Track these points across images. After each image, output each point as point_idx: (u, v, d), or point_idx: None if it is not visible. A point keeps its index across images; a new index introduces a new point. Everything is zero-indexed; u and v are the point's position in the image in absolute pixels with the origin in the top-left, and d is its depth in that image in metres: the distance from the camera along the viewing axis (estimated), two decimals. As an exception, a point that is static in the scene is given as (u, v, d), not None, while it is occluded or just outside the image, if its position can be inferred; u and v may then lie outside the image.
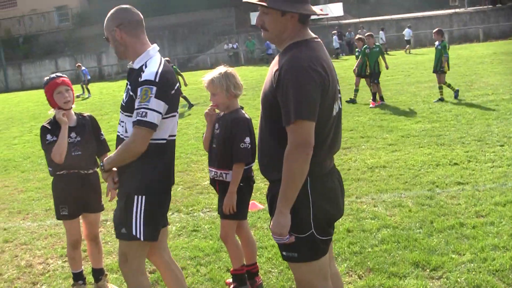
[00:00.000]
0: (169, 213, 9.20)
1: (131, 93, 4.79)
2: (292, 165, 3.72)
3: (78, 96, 35.23)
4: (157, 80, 4.66)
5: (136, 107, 4.66)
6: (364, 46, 20.35)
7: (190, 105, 23.18)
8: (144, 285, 4.99)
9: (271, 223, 3.90)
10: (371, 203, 8.81)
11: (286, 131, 3.76)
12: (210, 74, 5.83)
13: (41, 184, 12.60)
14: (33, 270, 7.59)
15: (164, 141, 4.85)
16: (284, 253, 4.05)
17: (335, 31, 53.65)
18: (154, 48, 5.00)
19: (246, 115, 5.84)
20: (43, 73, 57.89)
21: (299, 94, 3.68)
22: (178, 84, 5.02)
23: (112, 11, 5.02)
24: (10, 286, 7.15)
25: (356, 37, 21.63)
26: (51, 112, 6.40)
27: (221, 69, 5.84)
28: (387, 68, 20.36)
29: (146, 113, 4.60)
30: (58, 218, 6.57)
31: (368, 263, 6.56)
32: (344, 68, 35.35)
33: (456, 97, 18.57)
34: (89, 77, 38.90)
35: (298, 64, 3.75)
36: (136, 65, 4.91)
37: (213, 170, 5.96)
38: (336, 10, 59.01)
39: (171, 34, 61.37)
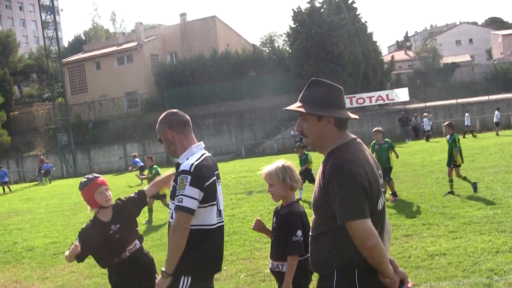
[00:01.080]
0: (232, 300, 9.50)
1: (173, 183, 5.41)
2: (372, 253, 4.03)
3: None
4: (191, 170, 5.26)
5: (175, 194, 5.24)
6: (373, 142, 19.49)
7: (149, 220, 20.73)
8: None
9: None
10: (430, 291, 8.90)
11: (335, 231, 4.14)
12: (268, 167, 6.20)
13: (106, 270, 12.95)
14: None
15: (209, 227, 5.38)
16: None
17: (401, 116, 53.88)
18: (198, 146, 5.67)
19: (300, 208, 6.16)
20: (112, 158, 59.36)
21: (347, 197, 4.02)
22: (214, 178, 5.51)
23: (162, 115, 5.74)
24: None
25: (374, 130, 20.07)
26: (90, 211, 6.82)
27: (280, 162, 6.20)
28: (397, 157, 20.08)
29: (182, 199, 5.17)
30: None
31: None
32: (410, 153, 35.45)
33: (475, 190, 18.07)
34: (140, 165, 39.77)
35: (339, 169, 4.09)
36: (181, 160, 5.53)
37: (271, 261, 6.31)
38: (402, 95, 59.30)
39: (238, 120, 62.30)
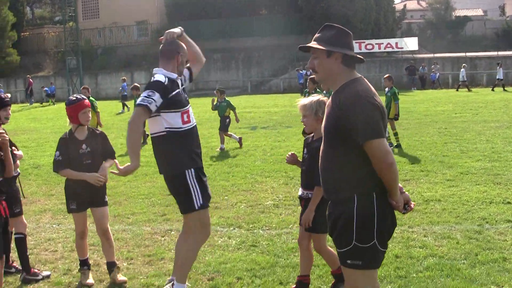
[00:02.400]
0: (230, 227, 9.89)
1: None
2: (390, 170, 4.54)
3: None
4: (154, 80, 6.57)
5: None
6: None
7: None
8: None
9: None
10: (422, 233, 9.24)
11: (353, 159, 4.62)
12: (305, 99, 6.71)
13: (110, 192, 13.28)
14: (100, 269, 8.28)
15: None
16: (348, 261, 4.70)
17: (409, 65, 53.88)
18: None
19: None
20: (118, 84, 59.54)
21: (368, 119, 4.51)
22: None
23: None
24: (78, 281, 7.84)
25: (386, 76, 20.05)
26: (69, 125, 7.73)
27: (316, 96, 6.61)
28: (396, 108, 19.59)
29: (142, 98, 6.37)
30: (68, 212, 7.84)
31: (411, 287, 7.04)
32: (415, 102, 35.68)
33: (392, 146, 18.25)
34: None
35: (358, 97, 4.57)
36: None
37: (301, 189, 6.98)
38: (411, 44, 59.17)
39: (247, 57, 62.31)
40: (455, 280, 7.17)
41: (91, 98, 19.48)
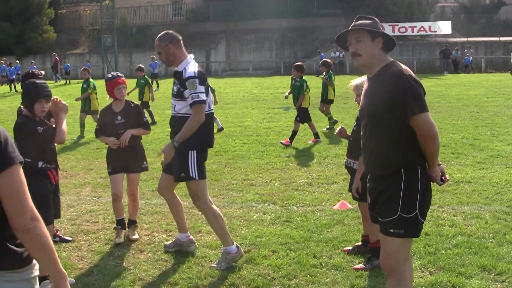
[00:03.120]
0: (265, 204, 10.23)
1: (179, 87, 7.41)
2: (435, 141, 4.97)
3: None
4: (196, 75, 7.31)
5: (188, 95, 7.23)
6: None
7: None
8: (216, 211, 7.57)
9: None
10: (451, 213, 9.48)
11: (400, 135, 5.02)
12: (357, 79, 7.17)
13: (149, 167, 13.74)
14: (140, 240, 8.69)
15: (207, 112, 7.35)
16: (391, 230, 5.08)
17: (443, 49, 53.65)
18: (190, 56, 7.64)
19: None
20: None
21: (415, 95, 4.92)
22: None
23: (162, 34, 7.77)
24: (120, 251, 8.28)
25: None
26: (108, 99, 9.03)
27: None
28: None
29: (198, 95, 7.20)
30: (109, 174, 8.87)
31: (440, 263, 7.31)
32: (447, 85, 35.69)
33: (329, 129, 19.15)
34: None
35: (402, 75, 4.98)
36: (180, 68, 7.50)
37: (347, 158, 7.66)
38: (444, 28, 58.84)
39: (280, 37, 62.39)
40: (483, 258, 7.41)
41: (90, 79, 19.87)
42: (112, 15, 63.48)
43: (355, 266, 7.30)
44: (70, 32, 70.96)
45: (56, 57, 55.86)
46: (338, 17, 59.27)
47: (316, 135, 17.04)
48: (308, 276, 7.06)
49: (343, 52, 53.53)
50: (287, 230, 8.81)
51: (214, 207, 7.65)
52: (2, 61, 51.58)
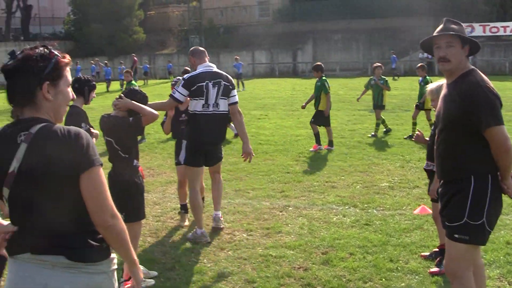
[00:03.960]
0: (345, 206, 10.31)
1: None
2: (509, 154, 4.95)
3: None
4: (185, 78, 9.04)
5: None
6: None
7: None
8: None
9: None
10: (535, 221, 9.37)
11: (473, 142, 5.06)
12: (433, 84, 7.17)
13: (232, 168, 14.06)
14: (221, 239, 8.94)
15: (197, 112, 8.89)
16: (456, 235, 5.13)
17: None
18: (202, 65, 9.11)
19: None
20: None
21: (491, 107, 4.94)
22: (203, 84, 8.89)
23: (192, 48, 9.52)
24: (202, 248, 8.54)
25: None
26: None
27: (441, 81, 6.94)
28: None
29: (175, 91, 8.96)
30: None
31: (520, 272, 7.27)
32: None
33: (385, 132, 18.57)
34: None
35: (479, 86, 5.00)
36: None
37: (427, 161, 7.65)
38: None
39: (367, 38, 61.95)
40: None
41: (132, 82, 20.34)
42: (199, 16, 64.37)
43: (430, 270, 7.34)
44: (159, 33, 72.28)
45: (135, 58, 56.68)
46: (427, 16, 58.39)
47: (330, 143, 16.70)
48: (383, 279, 7.14)
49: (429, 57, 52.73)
50: (365, 233, 8.89)
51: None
52: (92, 62, 52.94)
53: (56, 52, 3.57)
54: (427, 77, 18.27)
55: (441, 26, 5.24)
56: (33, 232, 3.49)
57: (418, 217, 9.65)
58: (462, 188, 5.09)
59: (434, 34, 5.25)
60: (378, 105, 19.16)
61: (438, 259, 7.43)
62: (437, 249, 7.76)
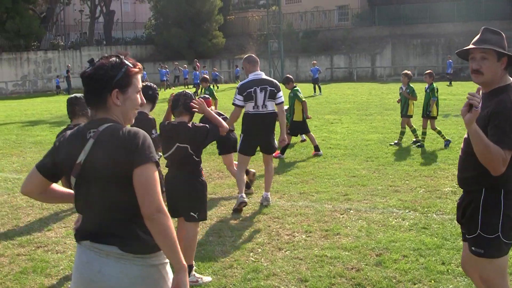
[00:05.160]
0: (406, 210, 10.47)
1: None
2: None
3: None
4: (238, 86, 11.40)
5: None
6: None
7: None
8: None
9: None
10: None
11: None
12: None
13: (299, 171, 14.40)
14: (280, 239, 9.26)
15: (249, 112, 11.29)
16: (472, 248, 5.14)
17: None
18: (253, 73, 11.21)
19: None
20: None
21: (507, 130, 4.80)
22: (251, 90, 11.09)
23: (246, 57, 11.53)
24: (261, 248, 8.89)
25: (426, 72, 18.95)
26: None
27: None
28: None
29: (234, 99, 11.34)
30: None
31: None
32: None
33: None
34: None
35: (506, 106, 4.87)
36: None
37: None
38: None
39: (446, 42, 61.30)
40: None
41: (210, 87, 20.78)
42: (279, 20, 64.76)
43: None
44: (238, 37, 73.16)
45: (198, 63, 56.29)
46: (507, 20, 57.46)
47: (316, 148, 16.80)
48: (433, 281, 7.31)
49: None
50: (421, 237, 9.04)
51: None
52: (161, 66, 53.88)
53: (127, 62, 3.94)
54: (433, 84, 18.12)
55: (477, 37, 5.14)
56: (92, 221, 3.90)
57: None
58: (473, 200, 5.10)
59: (470, 46, 5.17)
60: (403, 114, 18.58)
61: None
62: None
